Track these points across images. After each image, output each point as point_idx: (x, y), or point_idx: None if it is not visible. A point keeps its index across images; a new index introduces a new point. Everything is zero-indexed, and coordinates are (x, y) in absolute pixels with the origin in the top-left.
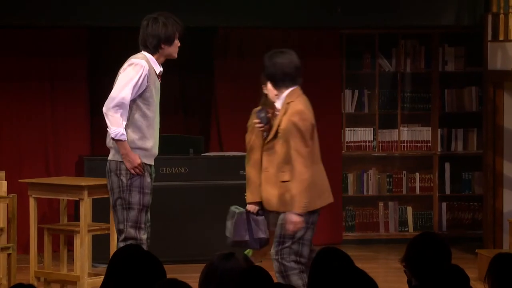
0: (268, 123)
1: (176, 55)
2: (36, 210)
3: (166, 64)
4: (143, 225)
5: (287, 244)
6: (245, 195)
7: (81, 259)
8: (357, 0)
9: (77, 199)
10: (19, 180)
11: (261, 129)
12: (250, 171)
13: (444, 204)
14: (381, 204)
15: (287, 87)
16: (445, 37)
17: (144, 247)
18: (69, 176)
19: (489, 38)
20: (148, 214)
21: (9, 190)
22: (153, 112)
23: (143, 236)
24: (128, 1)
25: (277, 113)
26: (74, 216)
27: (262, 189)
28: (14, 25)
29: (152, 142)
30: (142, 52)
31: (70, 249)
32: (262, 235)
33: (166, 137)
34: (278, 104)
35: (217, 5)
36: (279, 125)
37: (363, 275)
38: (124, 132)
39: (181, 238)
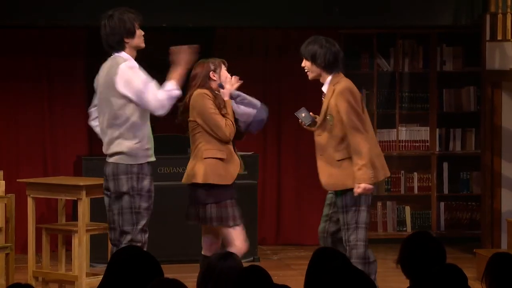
0: (312, 121)
1: (143, 44)
2: (34, 210)
3: (165, 64)
4: (147, 228)
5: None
6: None
7: (79, 259)
8: (355, 0)
9: (75, 199)
10: (17, 180)
11: (307, 128)
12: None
13: (442, 204)
14: (379, 204)
15: (333, 72)
16: (443, 37)
17: (144, 248)
18: (67, 176)
19: (487, 38)
20: None
21: (7, 190)
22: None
23: (146, 239)
24: (127, 1)
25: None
26: (72, 216)
27: (321, 174)
28: (12, 25)
29: (151, 141)
30: (118, 54)
31: (68, 249)
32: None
33: (164, 137)
34: (324, 88)
35: (215, 5)
36: (327, 108)
37: (361, 275)
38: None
39: (180, 238)
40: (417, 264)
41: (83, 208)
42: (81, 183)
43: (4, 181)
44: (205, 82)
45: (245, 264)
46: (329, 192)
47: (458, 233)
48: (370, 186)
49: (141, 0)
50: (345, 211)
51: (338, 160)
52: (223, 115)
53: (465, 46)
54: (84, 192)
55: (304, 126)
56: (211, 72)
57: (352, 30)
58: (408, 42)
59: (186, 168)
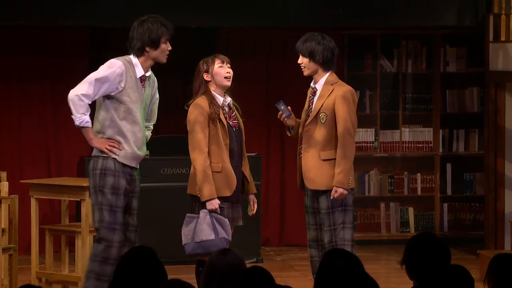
0: (290, 114)
1: (164, 60)
2: (38, 211)
3: (168, 65)
4: (118, 227)
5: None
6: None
7: (83, 260)
8: (358, 1)
9: (79, 199)
10: (21, 181)
11: (285, 121)
12: (207, 165)
13: (445, 205)
14: (382, 205)
15: (329, 70)
16: (447, 38)
17: (117, 249)
18: (71, 176)
19: (491, 38)
20: (135, 217)
21: (11, 191)
22: (135, 115)
23: (117, 237)
24: (130, 1)
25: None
26: (76, 216)
27: (306, 171)
28: (15, 25)
29: (133, 145)
30: (127, 55)
31: (72, 250)
32: (226, 236)
33: (168, 138)
34: (319, 86)
35: (218, 5)
36: (321, 106)
37: (365, 276)
38: (89, 119)
39: (182, 239)
40: (422, 265)
41: (86, 209)
42: (84, 184)
43: (7, 182)
44: (202, 87)
45: (248, 265)
46: (307, 194)
47: (461, 234)
48: (346, 192)
49: (143, 1)
50: (331, 212)
51: (324, 160)
52: (219, 120)
53: (469, 47)
54: (87, 193)
55: (285, 119)
56: (204, 74)
57: (356, 31)
58: (412, 43)
59: (188, 169)
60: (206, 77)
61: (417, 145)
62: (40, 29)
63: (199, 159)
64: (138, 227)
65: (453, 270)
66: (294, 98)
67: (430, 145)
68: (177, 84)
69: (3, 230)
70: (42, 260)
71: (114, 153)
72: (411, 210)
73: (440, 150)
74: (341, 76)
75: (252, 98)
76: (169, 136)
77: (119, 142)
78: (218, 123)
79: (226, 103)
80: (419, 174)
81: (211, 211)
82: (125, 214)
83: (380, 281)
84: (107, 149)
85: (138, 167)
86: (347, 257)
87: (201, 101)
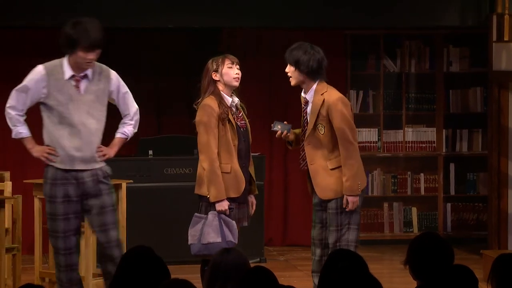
0: (290, 127)
1: (85, 67)
2: (41, 211)
3: (170, 65)
4: (60, 234)
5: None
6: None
7: (86, 260)
8: (361, 1)
9: None
10: (24, 181)
11: (288, 136)
12: (217, 166)
13: (449, 205)
14: (385, 205)
15: (317, 80)
16: (450, 38)
17: (64, 257)
18: None
19: (494, 38)
20: (96, 218)
21: (14, 191)
22: (69, 117)
23: (61, 245)
24: (130, 2)
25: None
26: None
27: (316, 183)
28: (15, 25)
29: (69, 148)
30: (63, 58)
31: None
32: (232, 239)
33: (171, 138)
34: (309, 96)
35: (221, 6)
36: (317, 117)
37: (368, 277)
38: (23, 130)
39: (185, 238)
40: (425, 265)
41: None
42: None
43: (10, 182)
44: (210, 86)
45: (251, 265)
46: (315, 198)
47: (464, 234)
48: (356, 199)
49: (146, 1)
50: (339, 212)
51: (332, 169)
52: (228, 121)
53: (472, 47)
54: None
55: (287, 135)
56: (213, 73)
57: (358, 31)
58: (415, 43)
59: (191, 169)
60: (214, 76)
61: (420, 145)
62: (40, 29)
63: (208, 159)
64: (107, 225)
65: (457, 270)
66: (296, 98)
67: (433, 145)
68: (179, 84)
69: (6, 230)
70: (45, 259)
71: (51, 160)
72: (414, 210)
73: (444, 150)
74: (344, 76)
75: (255, 98)
76: (172, 136)
77: (55, 148)
78: (227, 124)
79: (234, 104)
80: (422, 174)
81: (220, 212)
82: (91, 217)
83: (383, 281)
84: (43, 157)
85: (91, 168)
86: (352, 258)
87: (210, 101)
